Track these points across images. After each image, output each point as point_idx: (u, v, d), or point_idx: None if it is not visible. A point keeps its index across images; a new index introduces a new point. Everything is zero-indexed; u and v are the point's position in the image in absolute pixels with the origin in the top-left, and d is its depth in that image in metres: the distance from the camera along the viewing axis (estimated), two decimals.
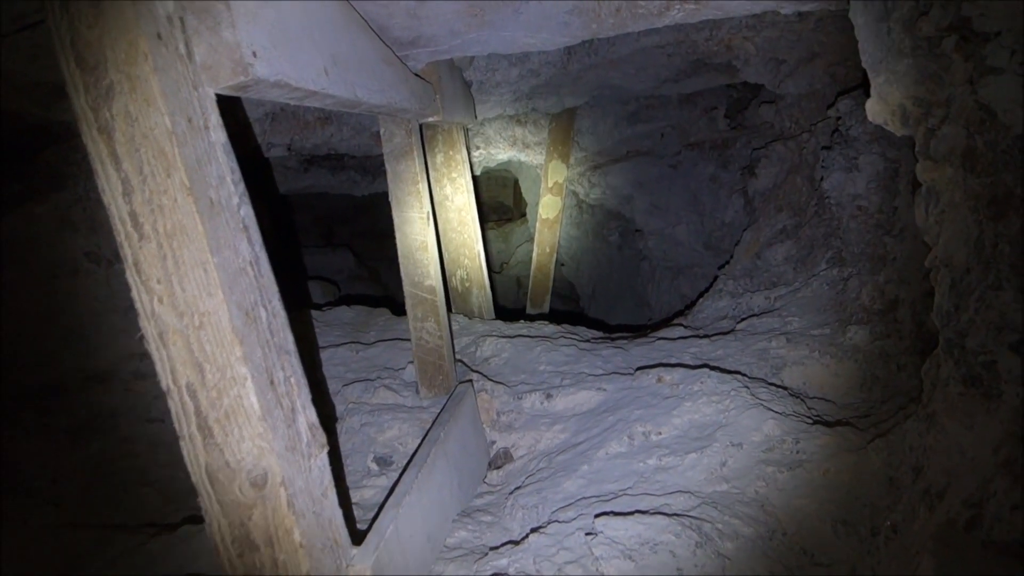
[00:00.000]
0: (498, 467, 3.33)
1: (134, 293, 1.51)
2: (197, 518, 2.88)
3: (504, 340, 4.25)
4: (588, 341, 4.35)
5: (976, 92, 1.91)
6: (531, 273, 7.63)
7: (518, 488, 3.03)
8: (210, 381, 1.52)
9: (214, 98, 1.59)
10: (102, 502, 3.20)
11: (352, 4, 2.38)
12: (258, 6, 1.66)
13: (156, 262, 1.47)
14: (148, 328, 1.52)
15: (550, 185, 7.15)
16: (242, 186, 1.63)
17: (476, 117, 4.74)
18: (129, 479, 3.37)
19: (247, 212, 1.64)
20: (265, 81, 1.67)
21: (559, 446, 3.26)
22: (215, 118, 1.58)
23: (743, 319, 4.06)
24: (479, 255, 4.61)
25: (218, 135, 1.58)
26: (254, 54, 1.60)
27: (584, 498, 2.73)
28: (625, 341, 4.31)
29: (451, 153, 4.31)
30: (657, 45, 4.17)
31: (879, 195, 3.71)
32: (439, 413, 3.18)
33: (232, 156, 1.62)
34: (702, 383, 3.20)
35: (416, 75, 3.16)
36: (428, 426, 3.19)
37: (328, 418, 3.40)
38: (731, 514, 2.45)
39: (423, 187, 3.36)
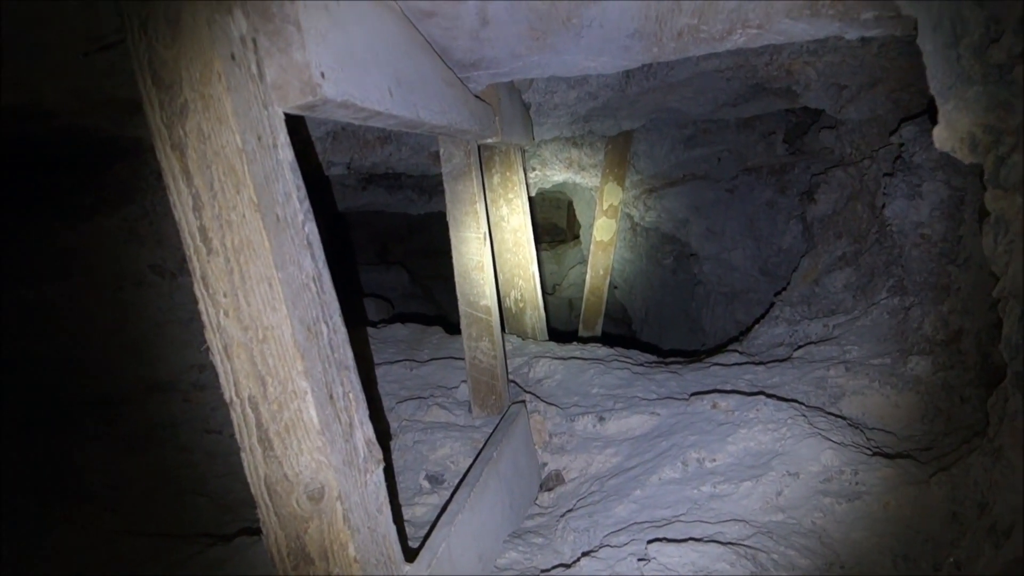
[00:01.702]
0: (549, 489, 3.31)
1: (201, 306, 1.54)
2: (252, 529, 2.93)
3: (557, 362, 4.24)
4: (641, 365, 4.32)
5: None
6: (584, 295, 7.60)
7: (569, 511, 3.01)
8: (272, 394, 1.55)
9: (283, 117, 1.63)
10: (160, 510, 3.27)
11: (416, 26, 2.42)
12: (327, 28, 1.70)
13: (223, 276, 1.50)
14: (213, 340, 1.55)
15: (605, 207, 7.13)
16: (307, 203, 1.66)
17: (533, 139, 4.76)
18: (186, 488, 3.43)
19: (311, 229, 1.67)
20: (332, 101, 1.70)
21: (611, 470, 3.24)
22: (283, 136, 1.61)
23: (800, 346, 4.00)
24: (534, 276, 4.62)
25: (286, 153, 1.61)
26: (322, 75, 1.63)
27: (636, 523, 2.71)
28: (679, 366, 4.27)
29: (508, 174, 4.34)
30: (716, 69, 4.14)
31: (943, 223, 3.63)
32: (491, 433, 3.18)
33: (298, 174, 1.65)
34: (758, 410, 3.15)
35: (476, 96, 3.19)
36: (480, 445, 3.19)
37: (382, 435, 3.42)
38: (787, 545, 2.40)
39: (480, 207, 3.38)
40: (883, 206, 4.00)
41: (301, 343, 1.55)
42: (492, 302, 3.49)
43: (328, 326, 1.68)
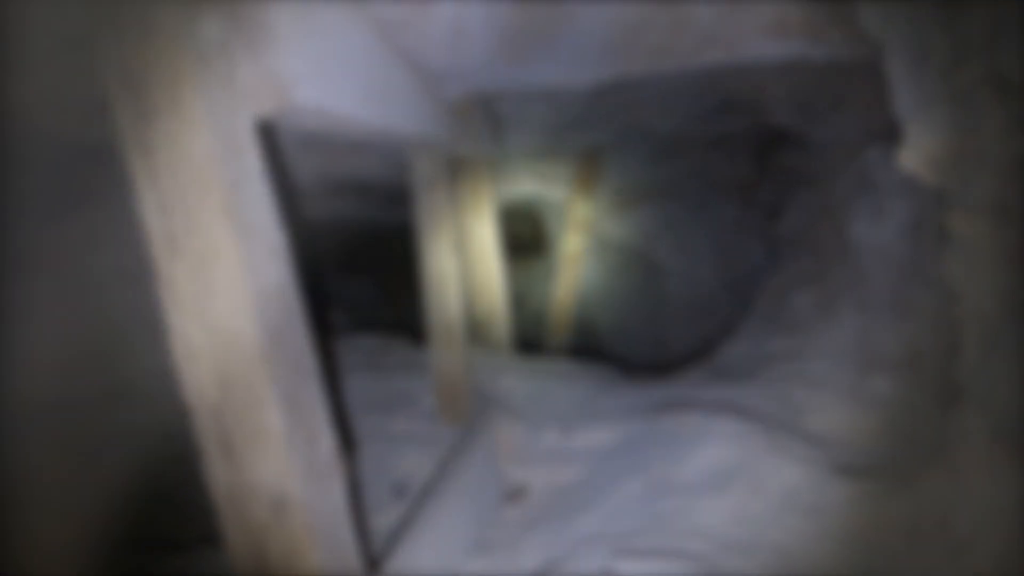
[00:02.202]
0: (514, 501, 3.30)
1: (166, 311, 1.53)
2: (212, 538, 2.89)
3: (524, 374, 4.24)
4: (607, 379, 4.34)
5: (1010, 144, 1.91)
6: (552, 309, 7.62)
7: (533, 522, 3.01)
8: (235, 401, 1.53)
9: (253, 123, 1.62)
10: (119, 519, 3.21)
11: (390, 37, 2.42)
12: (301, 35, 1.70)
13: (188, 281, 1.49)
14: (177, 346, 1.53)
15: (574, 221, 7.16)
16: (275, 210, 1.65)
17: (504, 151, 4.77)
18: (146, 497, 3.37)
19: (279, 236, 1.66)
20: (303, 108, 1.70)
21: (575, 483, 3.24)
22: (253, 142, 1.60)
23: (764, 363, 4.03)
24: (501, 288, 4.62)
25: (255, 159, 1.60)
26: (295, 82, 1.62)
27: (599, 535, 2.71)
28: (645, 380, 4.29)
29: (477, 186, 4.34)
30: (686, 86, 4.19)
31: (906, 244, 3.68)
32: (456, 444, 3.17)
33: (267, 180, 1.64)
34: (722, 426, 3.17)
35: (448, 108, 3.19)
36: (445, 456, 3.18)
37: (347, 444, 3.40)
38: (749, 559, 2.41)
39: (449, 218, 3.38)
40: (847, 225, 4.06)
41: (266, 350, 1.53)
42: (459, 313, 3.48)
43: (294, 334, 1.67)
